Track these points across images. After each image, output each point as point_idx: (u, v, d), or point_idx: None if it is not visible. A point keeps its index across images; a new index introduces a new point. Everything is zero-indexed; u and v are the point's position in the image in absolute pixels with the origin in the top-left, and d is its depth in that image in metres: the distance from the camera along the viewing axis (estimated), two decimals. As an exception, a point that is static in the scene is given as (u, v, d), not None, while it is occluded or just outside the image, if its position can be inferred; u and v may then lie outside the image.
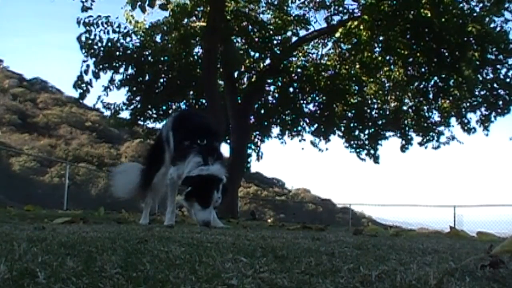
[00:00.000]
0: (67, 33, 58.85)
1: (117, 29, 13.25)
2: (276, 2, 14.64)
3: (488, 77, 13.33)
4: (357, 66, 14.27)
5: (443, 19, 11.95)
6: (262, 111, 15.35)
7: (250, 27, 14.55)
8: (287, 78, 15.12)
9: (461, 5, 12.64)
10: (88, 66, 12.80)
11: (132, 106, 14.50)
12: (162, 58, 14.05)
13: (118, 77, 13.90)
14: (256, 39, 14.46)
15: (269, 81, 15.14)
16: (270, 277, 1.15)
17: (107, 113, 15.22)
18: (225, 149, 13.47)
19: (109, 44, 13.12)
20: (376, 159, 15.40)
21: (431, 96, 14.20)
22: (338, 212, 26.71)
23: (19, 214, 4.58)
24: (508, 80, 13.11)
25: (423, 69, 13.79)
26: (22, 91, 36.63)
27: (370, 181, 58.28)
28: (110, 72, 13.66)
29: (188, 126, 4.06)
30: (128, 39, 13.62)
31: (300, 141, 15.92)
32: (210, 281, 1.09)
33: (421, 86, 14.12)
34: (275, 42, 14.70)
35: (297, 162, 61.77)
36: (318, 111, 15.27)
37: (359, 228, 4.38)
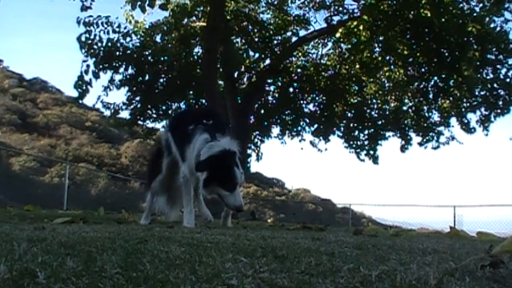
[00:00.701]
0: (67, 33, 58.91)
1: (117, 29, 13.27)
2: (276, 2, 14.64)
3: (488, 77, 13.35)
4: (357, 66, 14.28)
5: (443, 19, 11.94)
6: (262, 111, 15.35)
7: (250, 27, 14.55)
8: (287, 78, 15.13)
9: (461, 5, 12.65)
10: (88, 66, 12.82)
11: (132, 106, 14.51)
12: (162, 58, 14.05)
13: (118, 77, 13.95)
14: (256, 39, 14.47)
15: (269, 81, 15.15)
16: (270, 277, 1.15)
17: (107, 113, 15.26)
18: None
19: (109, 44, 13.12)
20: (375, 160, 15.40)
21: (431, 96, 14.21)
22: (338, 212, 26.71)
23: (19, 214, 4.57)
24: (508, 80, 13.12)
25: (423, 69, 13.79)
26: (22, 91, 36.66)
27: (370, 181, 58.41)
28: (110, 72, 13.68)
29: (188, 117, 3.85)
30: (128, 39, 13.64)
31: (300, 141, 15.95)
32: (210, 281, 1.09)
33: (421, 86, 14.12)
34: (275, 42, 14.71)
35: (297, 162, 61.83)
36: (318, 111, 15.28)
37: (359, 228, 4.38)
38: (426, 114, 14.77)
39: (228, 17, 13.66)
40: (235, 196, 3.26)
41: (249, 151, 15.23)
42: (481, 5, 12.55)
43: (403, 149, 15.09)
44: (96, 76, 13.00)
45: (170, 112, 14.98)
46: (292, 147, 24.81)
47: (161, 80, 14.71)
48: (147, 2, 10.12)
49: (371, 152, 15.36)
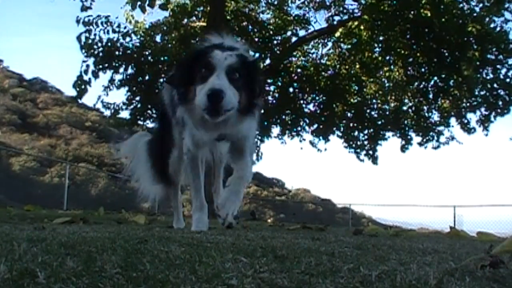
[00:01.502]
0: (67, 33, 59.09)
1: (117, 29, 13.29)
2: (276, 2, 14.65)
3: (488, 77, 13.37)
4: (357, 66, 14.29)
5: (443, 19, 11.96)
6: (262, 111, 15.32)
7: (250, 27, 14.56)
8: (287, 78, 15.13)
9: (461, 5, 12.67)
10: (88, 66, 12.84)
11: (132, 106, 14.51)
12: (162, 58, 14.05)
13: (118, 77, 13.95)
14: (256, 39, 14.47)
15: (269, 81, 15.15)
16: (270, 277, 1.15)
17: (107, 113, 15.25)
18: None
19: (109, 44, 13.14)
20: (374, 160, 15.39)
21: (431, 96, 14.22)
22: (338, 212, 26.74)
23: (19, 214, 4.57)
24: (508, 80, 13.13)
25: (423, 69, 13.81)
26: (22, 91, 36.67)
27: (370, 181, 58.48)
28: (110, 72, 13.69)
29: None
30: (128, 39, 13.66)
31: (300, 141, 15.94)
32: (210, 281, 1.08)
33: (421, 86, 14.13)
34: (275, 42, 14.72)
35: (297, 162, 61.86)
36: (318, 111, 15.27)
37: (359, 228, 4.37)
38: (426, 114, 14.78)
39: (228, 17, 13.67)
40: (211, 81, 2.13)
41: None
42: (481, 5, 12.58)
43: (403, 149, 15.09)
44: (96, 75, 13.01)
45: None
46: (292, 147, 24.88)
47: (161, 80, 14.69)
48: (147, 2, 10.15)
49: (371, 152, 15.35)
